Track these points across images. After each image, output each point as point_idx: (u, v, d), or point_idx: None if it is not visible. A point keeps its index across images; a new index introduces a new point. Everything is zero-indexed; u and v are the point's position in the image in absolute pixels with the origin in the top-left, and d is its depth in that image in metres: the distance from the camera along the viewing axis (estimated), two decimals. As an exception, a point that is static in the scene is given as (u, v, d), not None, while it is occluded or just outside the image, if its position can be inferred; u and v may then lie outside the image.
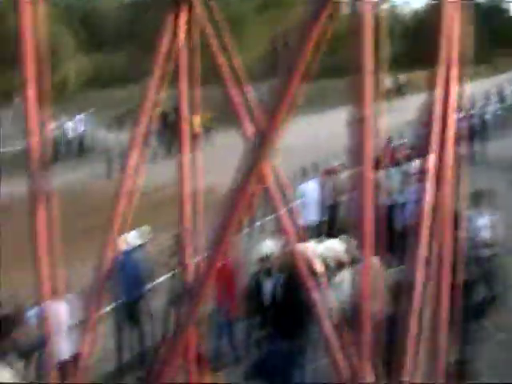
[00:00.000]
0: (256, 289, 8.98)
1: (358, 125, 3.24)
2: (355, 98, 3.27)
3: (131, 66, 40.09)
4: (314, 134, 25.30)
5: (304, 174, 14.20)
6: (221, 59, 4.60)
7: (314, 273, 5.34)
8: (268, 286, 8.51)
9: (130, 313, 10.07)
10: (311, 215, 13.33)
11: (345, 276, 7.89)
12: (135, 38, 38.53)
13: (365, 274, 3.38)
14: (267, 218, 14.22)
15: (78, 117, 29.33)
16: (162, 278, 11.40)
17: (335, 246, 8.23)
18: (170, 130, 25.09)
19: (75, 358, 4.69)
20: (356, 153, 3.28)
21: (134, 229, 9.49)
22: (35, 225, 4.36)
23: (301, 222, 6.59)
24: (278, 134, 3.39)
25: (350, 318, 5.65)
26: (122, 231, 4.84)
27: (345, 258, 8.08)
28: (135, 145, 4.67)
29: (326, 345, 4.60)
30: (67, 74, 40.02)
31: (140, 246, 10.14)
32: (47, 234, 4.39)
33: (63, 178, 21.12)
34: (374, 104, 3.26)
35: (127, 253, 9.70)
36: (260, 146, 3.43)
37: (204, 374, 5.76)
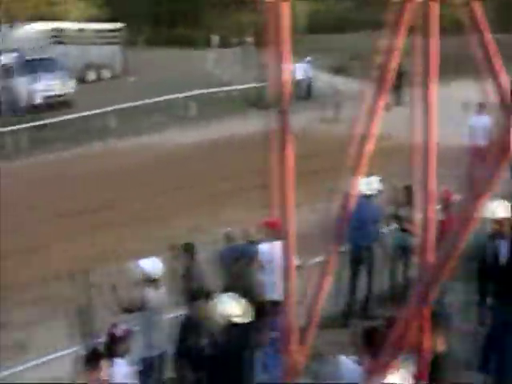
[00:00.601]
0: (484, 251, 8.46)
1: None
2: None
3: (355, 13, 39.89)
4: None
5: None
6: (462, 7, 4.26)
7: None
8: (502, 249, 8.02)
9: (362, 257, 10.12)
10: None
11: None
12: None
13: None
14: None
15: (306, 60, 29.23)
16: (386, 228, 11.15)
17: None
18: (399, 78, 24.50)
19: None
20: None
21: (369, 174, 9.33)
22: (279, 163, 4.36)
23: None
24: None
25: None
26: (360, 175, 4.71)
27: None
28: (381, 92, 4.51)
29: None
30: (294, 18, 40.37)
31: (378, 192, 10.07)
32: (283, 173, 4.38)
33: (290, 120, 21.36)
34: None
35: (365, 197, 9.65)
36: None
37: (433, 333, 5.54)
